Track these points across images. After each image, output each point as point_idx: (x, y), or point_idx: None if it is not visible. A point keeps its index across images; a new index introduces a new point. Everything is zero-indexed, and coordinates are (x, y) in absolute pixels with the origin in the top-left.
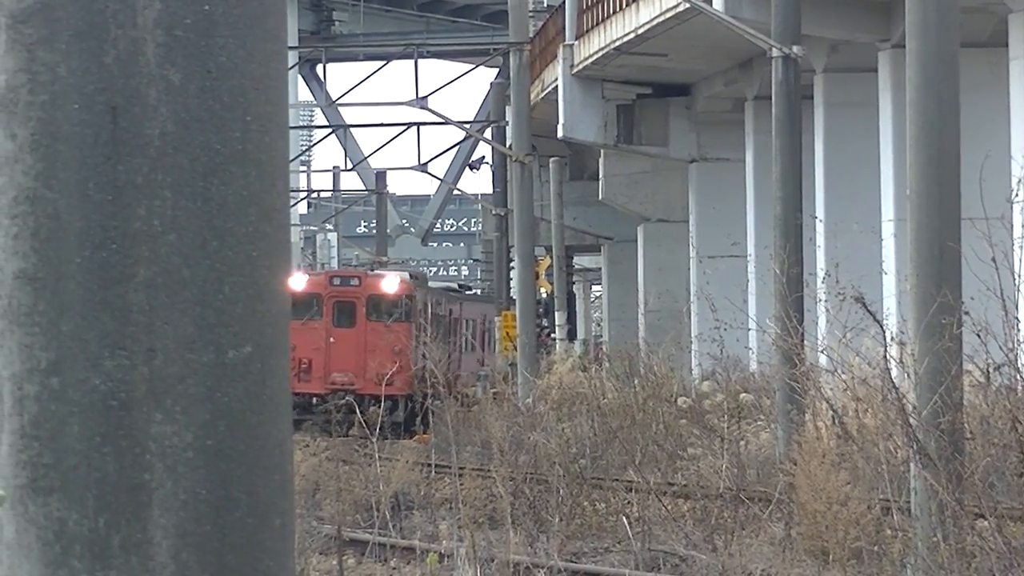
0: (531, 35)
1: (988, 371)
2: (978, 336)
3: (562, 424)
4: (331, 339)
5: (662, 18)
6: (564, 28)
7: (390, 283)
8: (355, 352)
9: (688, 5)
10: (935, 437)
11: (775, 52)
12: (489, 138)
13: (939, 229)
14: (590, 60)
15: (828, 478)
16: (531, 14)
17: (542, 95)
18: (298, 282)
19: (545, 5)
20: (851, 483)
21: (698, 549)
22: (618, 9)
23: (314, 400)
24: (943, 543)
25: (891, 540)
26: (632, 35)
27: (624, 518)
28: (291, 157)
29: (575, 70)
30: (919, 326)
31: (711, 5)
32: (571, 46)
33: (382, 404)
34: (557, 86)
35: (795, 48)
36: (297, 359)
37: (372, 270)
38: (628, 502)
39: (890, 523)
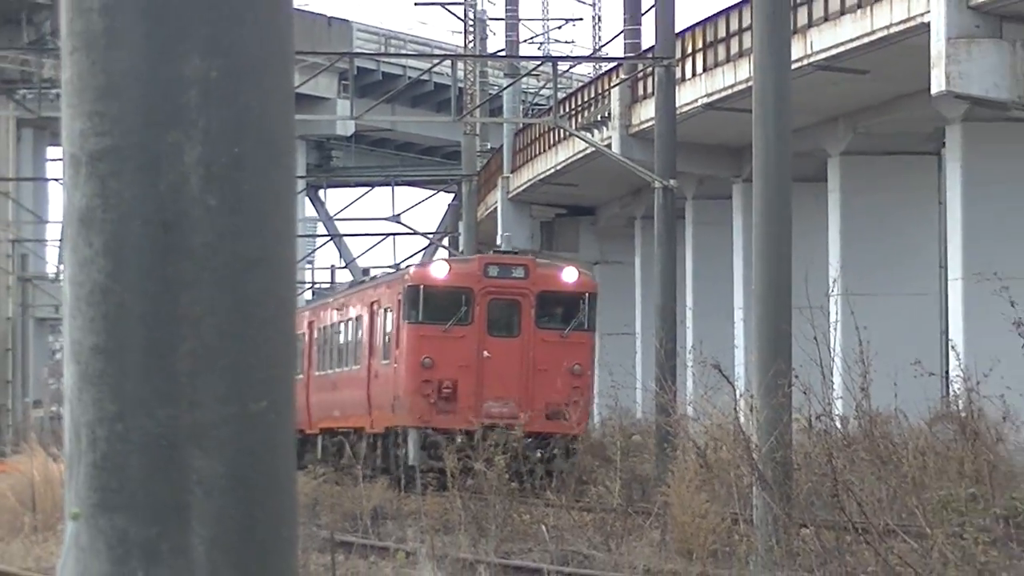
0: (478, 169)
1: (811, 419)
2: (804, 394)
3: (498, 457)
4: (485, 353)
5: (575, 158)
6: (502, 164)
7: (569, 275)
8: (518, 372)
9: (593, 149)
10: (771, 468)
11: (657, 184)
12: (447, 245)
13: (775, 316)
14: (521, 188)
15: (693, 497)
16: (478, 154)
17: (486, 213)
18: (439, 271)
19: (488, 148)
20: (709, 501)
21: (597, 549)
22: (542, 151)
23: (458, 438)
24: (776, 546)
25: (738, 543)
26: (552, 170)
27: (543, 526)
28: (299, 259)
29: (510, 195)
30: (760, 386)
31: (610, 149)
32: (507, 177)
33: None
34: (497, 207)
35: (671, 181)
36: (437, 381)
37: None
38: (546, 514)
39: (738, 531)
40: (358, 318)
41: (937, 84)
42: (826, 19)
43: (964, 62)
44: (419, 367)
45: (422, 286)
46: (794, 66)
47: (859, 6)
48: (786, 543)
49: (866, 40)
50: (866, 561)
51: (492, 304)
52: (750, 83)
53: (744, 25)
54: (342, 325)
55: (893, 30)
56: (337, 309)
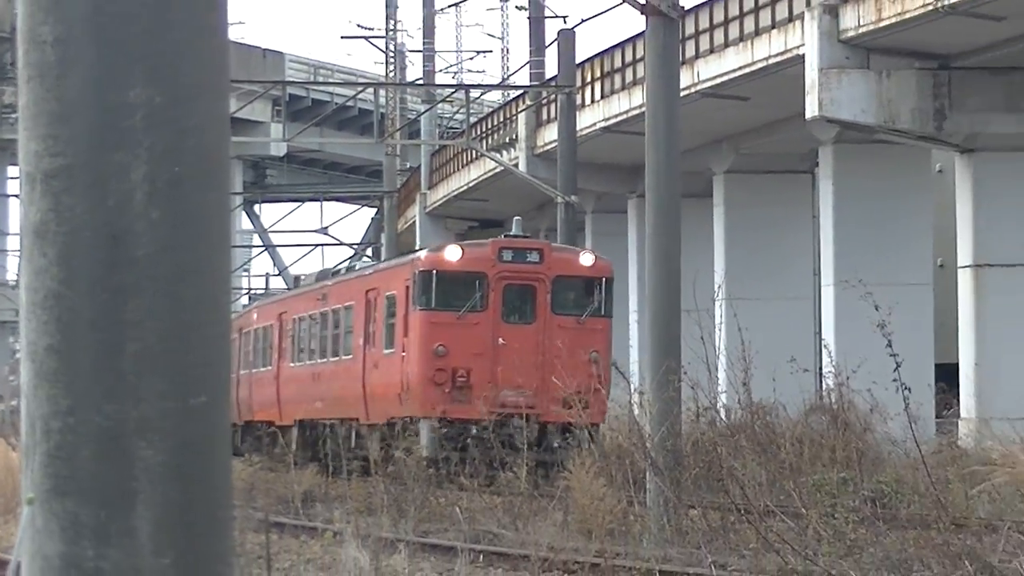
0: (398, 186)
1: (698, 412)
2: (692, 388)
3: (418, 447)
4: (500, 340)
5: (485, 176)
6: (420, 182)
7: (586, 259)
8: (534, 360)
9: (502, 168)
10: (662, 455)
11: (560, 199)
12: (370, 255)
13: (666, 318)
14: (437, 203)
15: (592, 482)
16: (399, 172)
17: (405, 226)
18: (452, 254)
19: (408, 167)
20: (607, 485)
21: (506, 529)
22: (456, 170)
23: (473, 429)
24: (667, 525)
25: (633, 523)
26: (465, 187)
27: (457, 508)
28: (235, 268)
29: (427, 210)
30: (652, 382)
31: (518, 168)
32: (425, 194)
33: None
34: (416, 220)
35: (573, 197)
36: (450, 369)
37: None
38: (460, 498)
39: (633, 512)
40: (347, 307)
41: (811, 110)
42: (711, 51)
43: (835, 90)
44: (432, 355)
45: (435, 271)
46: (683, 93)
47: (741, 40)
48: (676, 523)
49: (747, 70)
50: (748, 539)
51: (507, 289)
52: (643, 109)
53: (638, 56)
54: (324, 315)
55: (771, 61)
56: (318, 299)
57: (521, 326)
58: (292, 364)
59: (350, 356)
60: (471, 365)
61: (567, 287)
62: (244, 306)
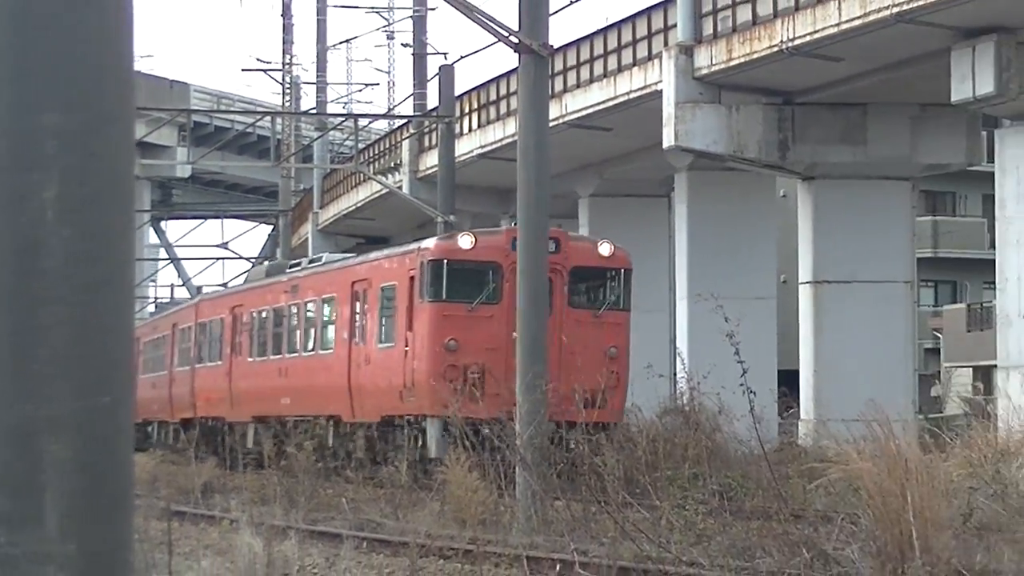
0: (293, 206)
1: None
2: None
3: (308, 443)
4: (514, 334)
5: (372, 197)
6: (313, 202)
7: (604, 248)
8: (550, 356)
9: (388, 190)
10: (530, 451)
11: (439, 219)
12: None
13: (534, 328)
14: (328, 221)
15: (466, 476)
16: (293, 193)
17: (299, 242)
18: (465, 243)
19: (302, 188)
20: (481, 479)
21: (388, 518)
22: (345, 191)
23: (486, 430)
24: (534, 515)
25: (503, 513)
26: (354, 207)
27: (343, 499)
28: (142, 279)
29: (319, 227)
30: (521, 385)
31: (401, 190)
32: (316, 212)
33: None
34: (308, 237)
35: (451, 216)
36: (462, 367)
37: None
38: (346, 490)
39: (503, 503)
40: (326, 300)
41: (667, 140)
42: (578, 86)
43: (689, 122)
44: (443, 350)
45: (445, 260)
46: (551, 124)
47: (605, 76)
48: (542, 513)
49: (611, 104)
50: (607, 528)
51: None
52: (516, 138)
53: (511, 90)
54: (294, 308)
55: (632, 96)
56: (286, 292)
57: None
58: (250, 359)
59: (328, 350)
60: (484, 361)
61: (584, 278)
62: (151, 313)
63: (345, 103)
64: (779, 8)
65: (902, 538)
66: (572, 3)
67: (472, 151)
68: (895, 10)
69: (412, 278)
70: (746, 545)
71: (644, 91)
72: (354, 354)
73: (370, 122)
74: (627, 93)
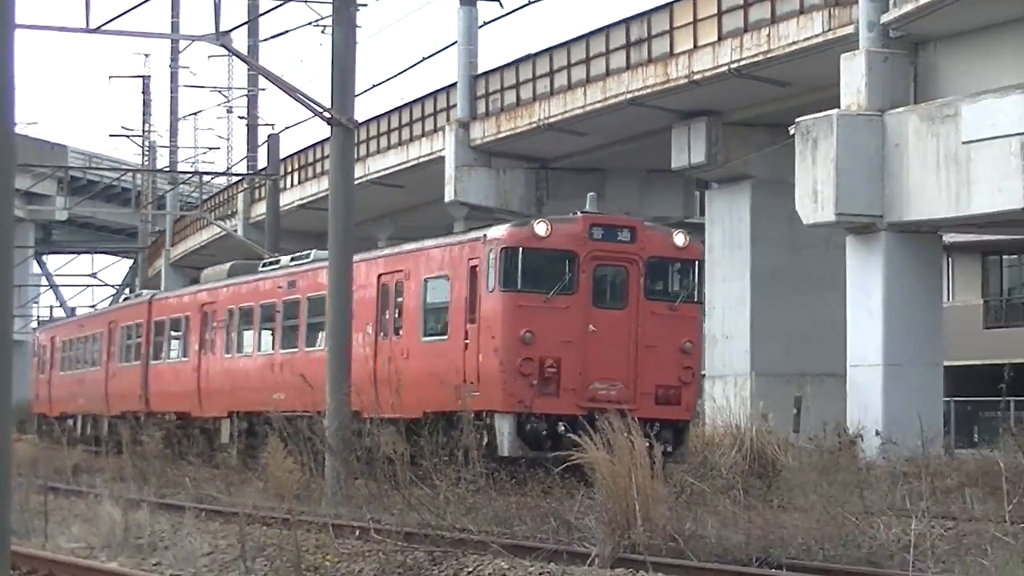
0: (149, 244)
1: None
2: (357, 394)
3: (159, 430)
4: (590, 327)
5: (214, 238)
6: (166, 241)
7: (679, 239)
8: (626, 350)
9: (225, 232)
10: (335, 440)
11: (267, 256)
12: (128, 294)
13: (342, 345)
14: (178, 256)
15: (284, 460)
16: (151, 234)
17: (154, 273)
18: (540, 230)
19: (158, 230)
20: (295, 462)
21: (222, 493)
22: (192, 233)
23: (561, 427)
24: (339, 491)
25: (314, 490)
26: (199, 245)
27: (187, 478)
28: (27, 301)
29: (171, 262)
30: (330, 388)
31: (237, 233)
32: (168, 250)
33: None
34: (161, 270)
35: (277, 255)
36: (538, 359)
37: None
38: (190, 471)
39: (314, 482)
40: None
41: (449, 195)
42: (378, 152)
43: (466, 182)
44: (518, 343)
45: (521, 248)
46: (356, 182)
47: (400, 144)
48: (345, 490)
49: (404, 166)
50: (396, 502)
51: (598, 270)
52: (328, 192)
53: (325, 154)
54: (290, 304)
55: (421, 160)
56: (279, 288)
57: (612, 311)
58: (228, 355)
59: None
60: (560, 354)
61: (660, 270)
62: (33, 328)
63: (192, 162)
64: (537, 93)
65: (628, 510)
66: (374, 87)
67: (293, 202)
68: (628, 96)
69: (474, 268)
70: (507, 516)
71: (430, 156)
72: (381, 349)
73: (212, 178)
74: (417, 158)
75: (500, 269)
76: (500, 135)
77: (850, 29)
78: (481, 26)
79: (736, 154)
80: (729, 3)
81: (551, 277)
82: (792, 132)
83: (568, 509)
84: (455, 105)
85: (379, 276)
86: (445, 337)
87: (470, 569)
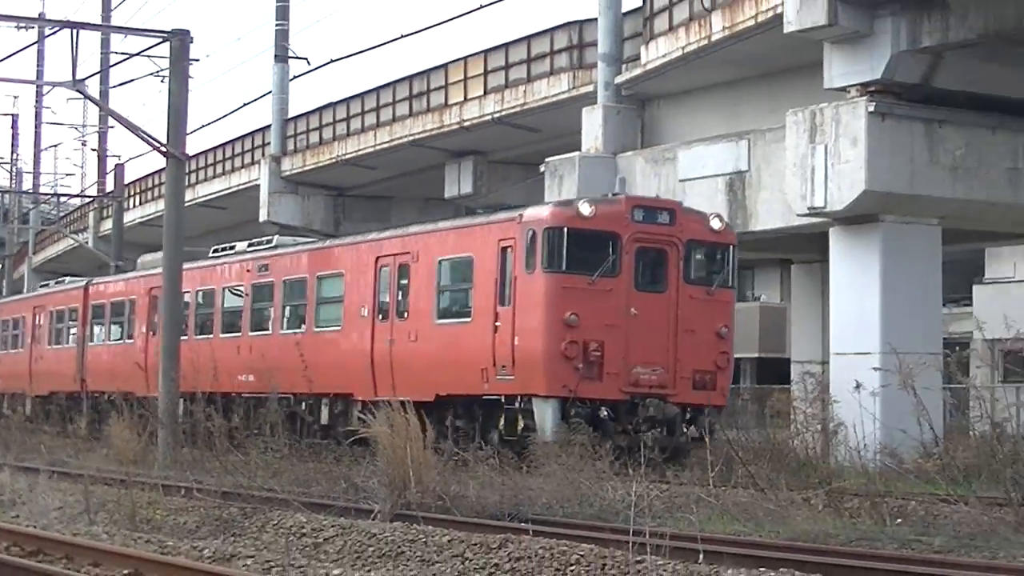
0: (15, 252)
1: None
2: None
3: (19, 408)
4: (632, 311)
5: (68, 248)
6: (29, 250)
7: (715, 223)
8: (666, 334)
9: (78, 244)
10: (166, 417)
11: (113, 264)
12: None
13: (173, 338)
14: (39, 263)
15: (124, 431)
16: (17, 243)
17: (18, 276)
18: (585, 209)
19: (23, 241)
20: (134, 433)
21: (72, 458)
22: (51, 243)
23: (604, 412)
24: (168, 458)
25: (149, 456)
26: (56, 255)
27: (42, 446)
28: None
29: (33, 268)
30: (162, 373)
31: (88, 245)
32: (31, 257)
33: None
34: (24, 274)
35: (121, 263)
36: (582, 343)
37: None
38: (45, 439)
39: (150, 450)
40: (322, 279)
41: (263, 216)
42: (206, 179)
43: (277, 205)
44: (562, 326)
45: (566, 228)
46: (187, 204)
47: (224, 173)
48: (174, 457)
49: (227, 192)
50: (215, 467)
51: (640, 253)
52: (164, 212)
53: (162, 181)
54: (259, 288)
55: (242, 187)
56: (248, 271)
57: (653, 295)
58: (185, 337)
59: (337, 328)
60: (604, 338)
61: (698, 253)
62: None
63: (52, 186)
64: (337, 134)
65: (405, 475)
66: (204, 126)
67: (135, 220)
68: (410, 138)
69: (506, 249)
70: (305, 479)
71: (249, 184)
72: (380, 332)
73: (68, 199)
74: (238, 185)
75: (543, 250)
76: (306, 168)
77: (590, 88)
78: (292, 79)
79: (497, 187)
80: (493, 64)
81: (595, 259)
82: (543, 169)
83: (356, 474)
84: (269, 143)
85: (377, 259)
86: (467, 320)
87: (275, 522)
